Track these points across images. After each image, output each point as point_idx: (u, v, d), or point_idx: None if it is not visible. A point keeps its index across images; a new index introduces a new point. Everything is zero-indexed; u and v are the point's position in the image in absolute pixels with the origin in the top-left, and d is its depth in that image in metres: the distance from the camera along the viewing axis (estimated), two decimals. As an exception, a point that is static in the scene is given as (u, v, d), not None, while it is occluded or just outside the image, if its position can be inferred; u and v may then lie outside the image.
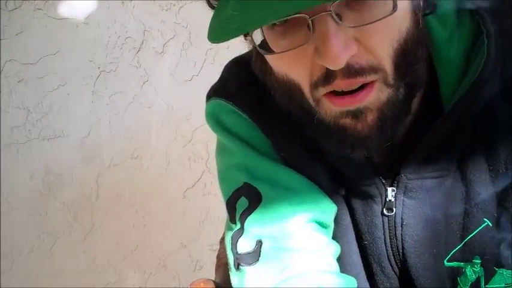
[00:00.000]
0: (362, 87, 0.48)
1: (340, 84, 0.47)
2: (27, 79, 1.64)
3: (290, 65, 0.50)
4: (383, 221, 0.59)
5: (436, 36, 0.54)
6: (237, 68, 0.66)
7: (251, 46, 0.55)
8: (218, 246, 0.87)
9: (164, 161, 1.69)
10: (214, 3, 0.51)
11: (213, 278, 0.76)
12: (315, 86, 0.49)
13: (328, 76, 0.47)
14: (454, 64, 0.54)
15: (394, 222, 0.58)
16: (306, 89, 0.50)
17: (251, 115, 0.62)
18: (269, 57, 0.52)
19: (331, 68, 0.46)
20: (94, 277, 1.69)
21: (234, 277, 0.58)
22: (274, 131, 0.61)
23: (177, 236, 1.71)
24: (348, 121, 0.49)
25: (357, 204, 0.60)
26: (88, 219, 1.69)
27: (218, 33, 0.47)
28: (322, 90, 0.49)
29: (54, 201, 1.67)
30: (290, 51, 0.47)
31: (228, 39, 0.46)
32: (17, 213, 1.66)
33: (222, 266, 0.80)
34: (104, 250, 1.70)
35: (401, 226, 0.58)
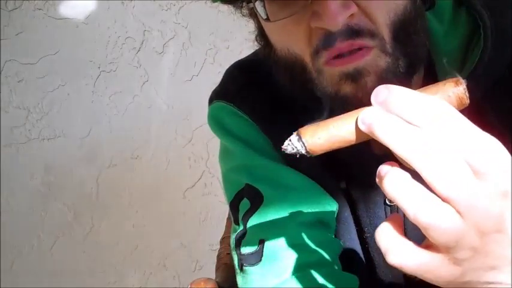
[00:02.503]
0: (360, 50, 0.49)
1: (340, 46, 0.48)
2: (27, 79, 1.64)
3: (290, 34, 0.51)
4: (385, 211, 0.59)
5: (434, 31, 0.56)
6: (237, 71, 0.67)
7: (255, 23, 0.57)
8: (218, 246, 0.87)
9: (164, 161, 1.69)
10: None
11: (213, 278, 0.76)
12: (316, 52, 0.49)
13: (328, 39, 0.48)
14: (452, 57, 0.55)
15: (397, 211, 0.59)
16: (307, 59, 0.51)
17: (251, 115, 0.63)
18: (270, 30, 0.53)
19: (330, 28, 0.47)
20: (94, 277, 1.70)
21: (239, 278, 0.59)
22: (274, 130, 0.62)
23: (177, 236, 1.71)
24: (348, 88, 0.49)
25: (358, 196, 0.61)
26: (88, 219, 1.69)
27: None
28: (324, 56, 0.49)
29: (54, 201, 1.67)
30: (289, 20, 0.49)
31: None
32: (17, 213, 1.66)
33: (222, 266, 0.80)
34: (104, 250, 1.70)
35: (404, 215, 0.58)
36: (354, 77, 0.49)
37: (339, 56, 0.49)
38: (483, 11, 0.53)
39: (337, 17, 0.46)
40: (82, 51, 1.65)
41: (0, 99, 1.62)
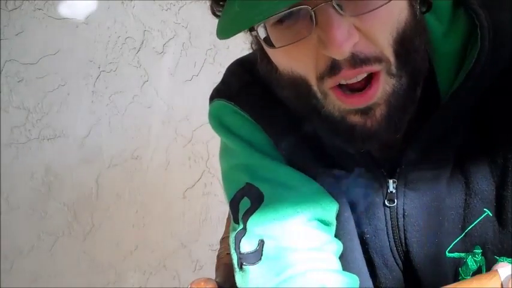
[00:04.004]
0: (368, 79, 0.49)
1: (346, 74, 0.48)
2: (27, 79, 1.64)
3: (295, 59, 0.50)
4: (385, 213, 0.59)
5: (433, 31, 0.56)
6: (239, 69, 0.67)
7: (255, 45, 0.56)
8: (218, 246, 0.87)
9: (164, 161, 1.69)
10: (217, 10, 0.52)
11: (213, 278, 0.76)
12: (321, 77, 0.49)
13: (334, 67, 0.48)
14: (450, 58, 0.55)
15: (396, 213, 0.59)
16: (312, 81, 0.51)
17: (253, 115, 0.63)
18: (273, 54, 0.53)
19: (336, 58, 0.46)
20: (94, 277, 1.69)
21: (238, 276, 0.59)
22: (276, 130, 0.62)
23: (177, 236, 1.71)
24: (356, 118, 0.50)
25: (358, 198, 0.61)
26: (88, 219, 1.69)
27: (226, 29, 0.48)
28: (329, 82, 0.49)
29: (54, 201, 1.67)
30: (294, 45, 0.48)
31: (236, 33, 0.48)
32: (17, 213, 1.66)
33: (222, 266, 0.80)
34: (104, 250, 1.70)
35: (403, 216, 0.58)
36: (364, 111, 0.49)
37: (349, 89, 0.49)
38: (480, 10, 0.53)
39: (343, 46, 0.45)
40: (82, 51, 1.65)
41: (0, 99, 1.62)
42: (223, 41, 1.65)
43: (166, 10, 1.67)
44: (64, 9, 1.63)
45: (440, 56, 0.56)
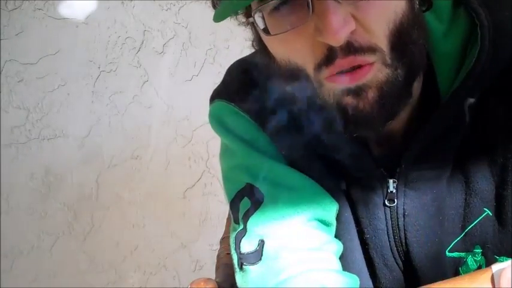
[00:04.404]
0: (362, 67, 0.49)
1: (341, 63, 0.48)
2: (27, 79, 1.64)
3: (291, 48, 0.51)
4: (385, 212, 0.59)
5: (433, 31, 0.56)
6: (240, 70, 0.67)
7: (255, 38, 0.56)
8: (218, 246, 0.87)
9: (164, 161, 1.69)
10: (217, 4, 0.53)
11: (213, 278, 0.76)
12: (318, 67, 0.50)
13: (329, 56, 0.48)
14: (450, 57, 0.55)
15: (396, 212, 0.59)
16: (309, 70, 0.51)
17: (253, 115, 0.63)
18: (271, 43, 0.53)
19: (332, 44, 0.47)
20: (94, 277, 1.69)
21: (238, 277, 0.59)
22: (276, 130, 0.62)
23: (177, 236, 1.71)
24: (349, 100, 0.50)
25: (358, 197, 0.61)
26: (88, 219, 1.69)
27: (223, 11, 0.48)
28: (325, 72, 0.49)
29: (54, 201, 1.67)
30: (290, 33, 0.48)
31: (232, 13, 0.48)
32: (17, 213, 1.66)
33: (222, 266, 0.80)
34: (104, 250, 1.70)
35: (404, 216, 0.58)
36: (356, 91, 0.49)
37: (340, 72, 0.49)
38: (480, 9, 0.53)
39: (339, 33, 0.45)
40: (82, 51, 1.65)
41: (0, 99, 1.62)
42: (223, 41, 1.66)
43: (166, 10, 1.67)
44: (64, 9, 1.63)
45: (440, 55, 0.56)
